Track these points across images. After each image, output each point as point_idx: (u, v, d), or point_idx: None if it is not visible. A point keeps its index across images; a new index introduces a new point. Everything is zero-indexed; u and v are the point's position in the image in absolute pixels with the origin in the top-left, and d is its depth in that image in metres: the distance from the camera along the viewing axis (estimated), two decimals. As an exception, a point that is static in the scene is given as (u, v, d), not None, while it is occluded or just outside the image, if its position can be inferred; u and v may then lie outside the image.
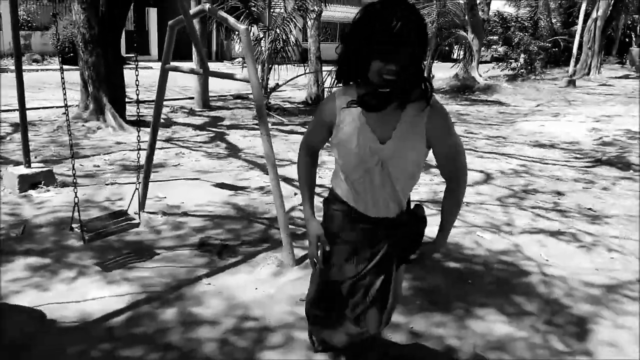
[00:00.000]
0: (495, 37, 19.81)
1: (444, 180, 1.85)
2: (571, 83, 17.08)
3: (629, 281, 3.38)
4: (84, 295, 2.85)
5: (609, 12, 19.49)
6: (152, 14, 21.68)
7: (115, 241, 3.53)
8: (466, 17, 15.52)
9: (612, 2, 19.15)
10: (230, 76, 3.78)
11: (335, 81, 1.73)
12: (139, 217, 3.52)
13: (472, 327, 2.72)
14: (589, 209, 4.86)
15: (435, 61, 14.86)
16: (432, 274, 3.30)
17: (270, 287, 3.05)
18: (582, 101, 13.67)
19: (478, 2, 16.85)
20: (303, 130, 8.32)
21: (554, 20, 25.23)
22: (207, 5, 3.35)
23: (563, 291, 3.18)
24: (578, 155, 7.28)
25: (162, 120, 6.18)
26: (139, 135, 3.55)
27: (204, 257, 3.43)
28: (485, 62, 20.07)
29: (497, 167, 6.37)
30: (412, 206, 1.90)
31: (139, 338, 2.49)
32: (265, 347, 2.48)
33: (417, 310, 2.86)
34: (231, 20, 3.34)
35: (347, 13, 31.88)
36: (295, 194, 4.78)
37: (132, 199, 3.60)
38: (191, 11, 3.44)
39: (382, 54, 1.47)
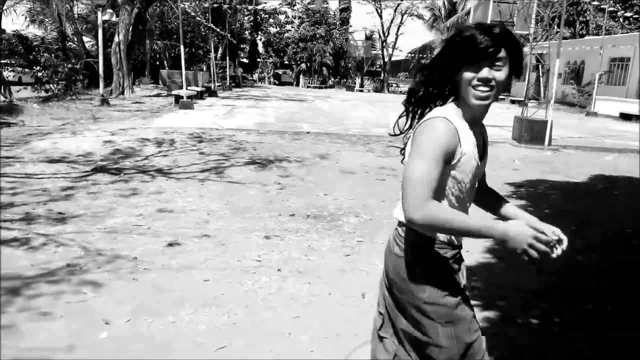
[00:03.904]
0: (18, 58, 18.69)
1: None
2: (105, 102, 17.94)
3: (59, 267, 3.81)
4: None
5: (130, 37, 21.41)
6: None
7: None
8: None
9: (131, 28, 21.08)
10: None
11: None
12: None
13: None
14: (60, 212, 5.22)
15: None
16: None
17: None
18: (108, 118, 14.55)
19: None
20: None
21: (88, 43, 25.89)
22: None
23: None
24: (81, 166, 7.72)
25: None
26: None
27: None
28: (27, 83, 18.74)
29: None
30: None
31: None
32: None
33: None
34: None
35: None
36: None
37: None
38: None
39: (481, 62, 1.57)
